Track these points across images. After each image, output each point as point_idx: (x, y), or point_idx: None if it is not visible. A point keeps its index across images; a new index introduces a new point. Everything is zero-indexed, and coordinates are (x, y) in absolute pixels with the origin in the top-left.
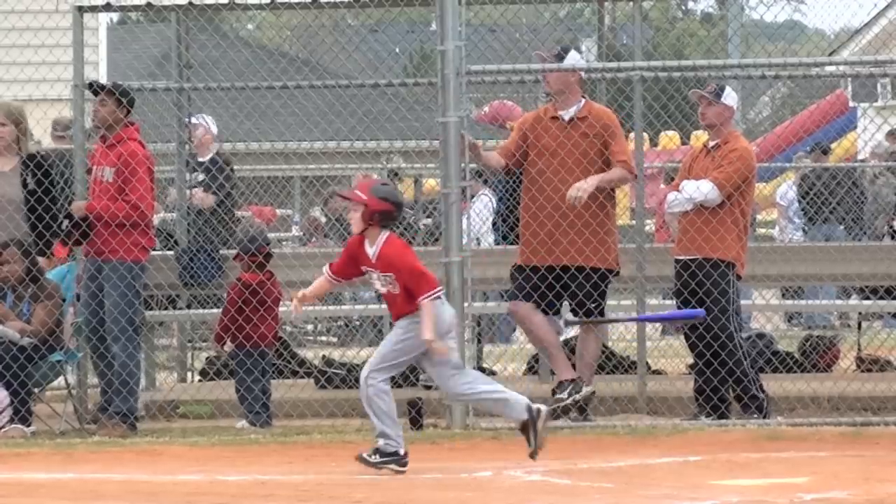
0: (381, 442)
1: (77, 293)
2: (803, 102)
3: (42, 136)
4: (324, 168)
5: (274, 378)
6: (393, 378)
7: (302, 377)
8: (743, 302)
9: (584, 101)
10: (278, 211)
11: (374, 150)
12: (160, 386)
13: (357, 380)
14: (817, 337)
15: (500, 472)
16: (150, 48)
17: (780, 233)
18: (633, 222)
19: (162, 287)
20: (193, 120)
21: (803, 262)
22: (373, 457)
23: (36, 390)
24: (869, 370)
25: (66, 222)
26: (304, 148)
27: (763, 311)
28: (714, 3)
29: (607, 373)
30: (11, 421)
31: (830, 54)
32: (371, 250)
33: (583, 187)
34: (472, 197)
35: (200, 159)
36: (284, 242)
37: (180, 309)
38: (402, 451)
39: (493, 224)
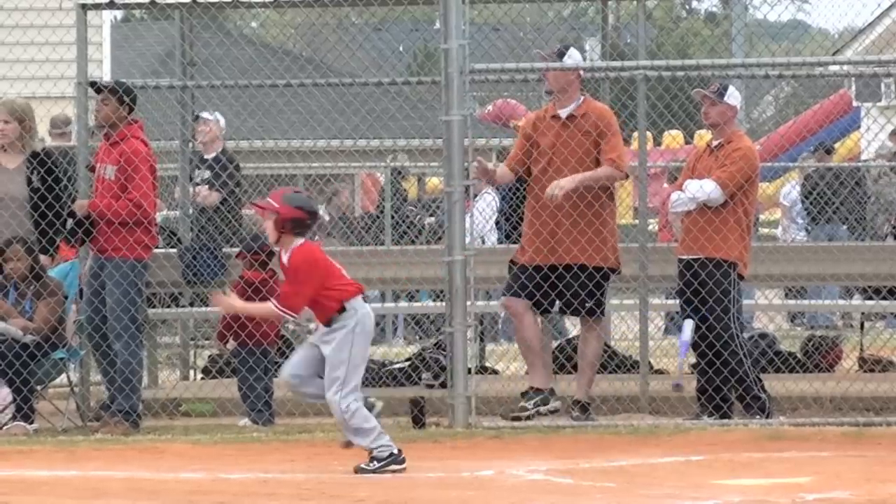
0: (375, 451)
1: (80, 290)
2: (807, 102)
3: (44, 134)
4: (327, 166)
5: (276, 376)
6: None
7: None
8: (746, 302)
9: (582, 98)
10: None
11: (377, 148)
12: (162, 384)
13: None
14: (820, 337)
15: (502, 472)
16: (154, 46)
17: (783, 233)
18: (637, 221)
19: (165, 285)
20: (205, 115)
21: (806, 262)
22: (371, 464)
23: (38, 388)
24: (871, 370)
25: (69, 221)
26: (308, 146)
27: (766, 311)
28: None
29: (609, 372)
30: (14, 418)
31: (834, 54)
32: (285, 257)
33: (561, 185)
34: (476, 196)
35: (206, 156)
36: None
37: (183, 307)
38: (395, 450)
39: (497, 223)
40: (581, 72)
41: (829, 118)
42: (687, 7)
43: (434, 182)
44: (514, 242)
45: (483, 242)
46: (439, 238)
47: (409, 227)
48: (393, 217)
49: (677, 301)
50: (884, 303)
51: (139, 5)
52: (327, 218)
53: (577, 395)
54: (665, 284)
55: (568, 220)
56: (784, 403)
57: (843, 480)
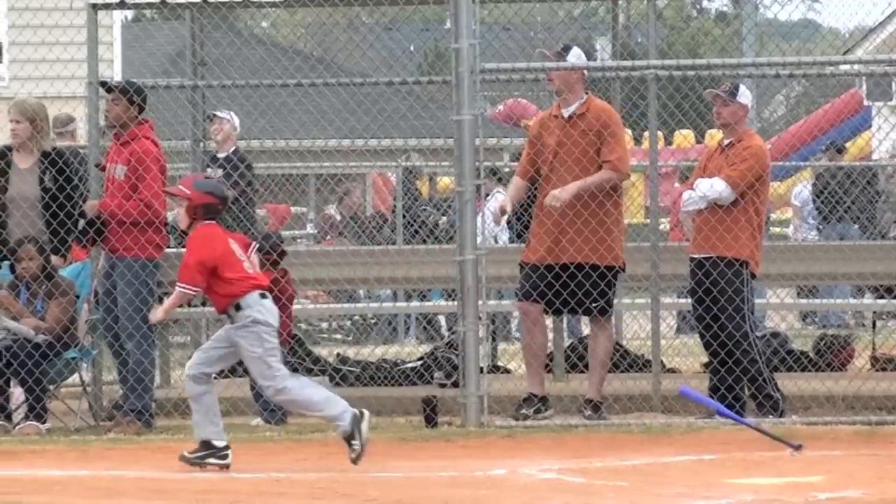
0: (340, 425)
1: (95, 290)
2: (818, 101)
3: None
4: (338, 166)
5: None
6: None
7: (316, 375)
8: (757, 301)
9: (585, 97)
10: (293, 209)
11: (388, 147)
12: (175, 383)
13: (372, 377)
14: (832, 336)
15: (514, 471)
16: (165, 46)
17: (794, 232)
18: (648, 221)
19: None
20: (220, 114)
21: (818, 261)
22: (348, 428)
23: (51, 387)
24: (884, 369)
25: (81, 221)
26: (319, 146)
27: (778, 311)
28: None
29: (622, 371)
30: (26, 418)
31: (845, 53)
32: None
33: (558, 196)
34: (487, 195)
35: (219, 155)
36: (299, 240)
37: (195, 307)
38: (358, 413)
39: (508, 222)
40: (585, 71)
41: (840, 117)
42: (697, 6)
43: (445, 181)
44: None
45: (495, 242)
46: (451, 238)
47: (420, 226)
48: (405, 216)
49: (689, 300)
50: (895, 301)
51: (150, 5)
52: (338, 217)
53: (589, 394)
54: (677, 283)
55: (576, 219)
56: (796, 402)
57: (856, 479)
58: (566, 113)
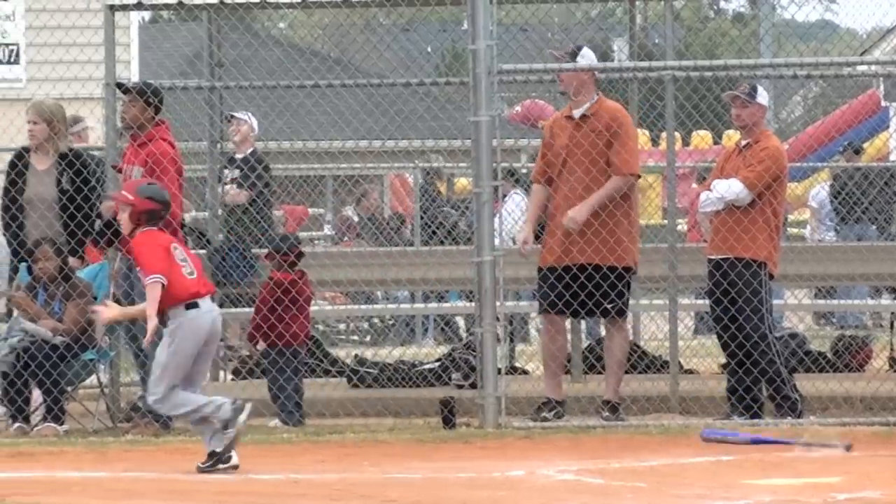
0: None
1: (112, 292)
2: (835, 102)
3: None
4: (356, 167)
5: (306, 377)
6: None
7: (334, 376)
8: (775, 302)
9: (596, 98)
10: (310, 210)
11: (405, 149)
12: None
13: (389, 378)
14: (850, 337)
15: (532, 472)
16: (182, 47)
17: (811, 233)
18: (666, 222)
19: None
20: (238, 115)
21: (835, 262)
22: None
23: (69, 389)
24: None
25: (98, 222)
26: (337, 147)
27: (795, 311)
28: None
29: (640, 372)
30: (44, 420)
31: (862, 54)
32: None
33: (576, 218)
34: (505, 196)
35: (236, 156)
36: (317, 241)
37: None
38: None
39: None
40: (595, 72)
41: (858, 118)
42: (715, 7)
43: (462, 183)
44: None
45: (513, 243)
46: (468, 239)
47: (438, 227)
48: (423, 217)
49: (707, 301)
50: None
51: (167, 6)
52: (356, 219)
53: (607, 395)
54: (694, 284)
55: (592, 220)
56: (814, 403)
57: (874, 480)
58: (577, 114)
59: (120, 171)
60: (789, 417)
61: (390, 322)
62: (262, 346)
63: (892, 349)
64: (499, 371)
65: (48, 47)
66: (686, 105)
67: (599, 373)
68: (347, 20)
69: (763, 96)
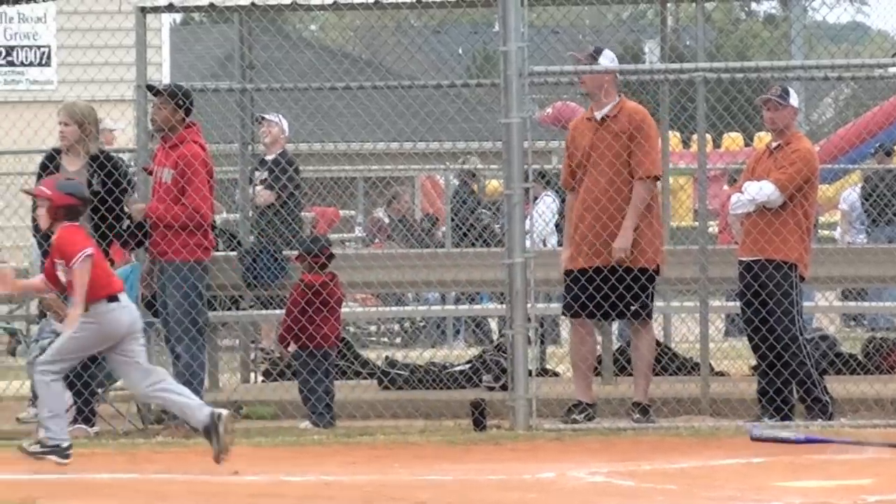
0: (42, 433)
1: (141, 293)
2: (866, 104)
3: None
4: (387, 169)
5: (337, 379)
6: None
7: (365, 378)
8: (806, 304)
9: (618, 99)
10: (341, 212)
11: (436, 151)
12: (223, 387)
13: (420, 380)
14: (881, 339)
15: (563, 474)
16: (213, 49)
17: (841, 236)
18: (697, 224)
19: (225, 288)
20: (268, 117)
21: (866, 264)
22: (33, 447)
23: (99, 391)
24: None
25: (126, 222)
26: (367, 149)
27: (826, 313)
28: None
29: (670, 374)
30: (75, 421)
31: (894, 55)
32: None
33: (624, 248)
34: (536, 198)
35: (267, 157)
36: (348, 243)
37: (244, 310)
38: (64, 444)
39: (557, 225)
40: (616, 73)
41: (889, 120)
42: (746, 9)
43: (494, 184)
44: None
45: (543, 245)
46: (499, 241)
47: (471, 229)
48: (454, 218)
49: (738, 303)
50: None
51: (198, 8)
52: (387, 221)
53: (637, 397)
54: (725, 286)
55: (608, 222)
56: (845, 405)
57: None
58: (598, 115)
59: (150, 172)
60: (820, 420)
61: (421, 324)
62: (293, 348)
63: None
64: (529, 373)
65: (79, 49)
66: (717, 107)
67: (630, 375)
68: (379, 22)
69: (795, 98)
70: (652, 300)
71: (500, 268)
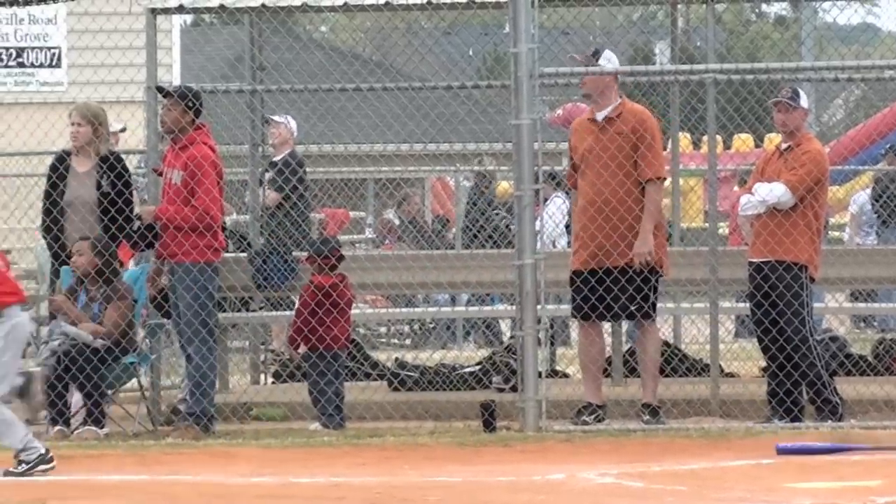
0: (22, 455)
1: (151, 295)
2: (877, 105)
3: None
4: (397, 170)
5: (347, 380)
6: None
7: (375, 379)
8: (816, 305)
9: (619, 101)
10: (352, 213)
11: (446, 152)
12: (233, 388)
13: (430, 382)
14: (891, 340)
15: (573, 475)
16: (224, 50)
17: (849, 239)
18: (707, 225)
19: (235, 289)
20: (276, 118)
21: (877, 265)
22: (20, 467)
23: (109, 392)
24: None
25: (137, 224)
26: (378, 150)
27: (836, 315)
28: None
29: (680, 375)
30: (85, 423)
31: None
32: None
33: (644, 250)
34: (546, 199)
35: (275, 158)
36: (358, 245)
37: (253, 311)
38: (42, 450)
39: (567, 226)
40: (618, 75)
41: None
42: (756, 10)
43: (504, 186)
44: None
45: (553, 246)
46: (509, 242)
47: (488, 230)
48: (469, 219)
49: (748, 304)
50: None
51: (209, 10)
52: (397, 222)
53: (645, 398)
54: (735, 288)
55: (609, 223)
56: (855, 407)
57: None
58: (599, 117)
59: (160, 174)
60: (830, 421)
61: (431, 325)
62: (303, 349)
63: None
64: (539, 374)
65: (90, 51)
66: (727, 108)
67: (640, 376)
68: (389, 23)
69: (805, 100)
70: (656, 300)
71: (510, 269)
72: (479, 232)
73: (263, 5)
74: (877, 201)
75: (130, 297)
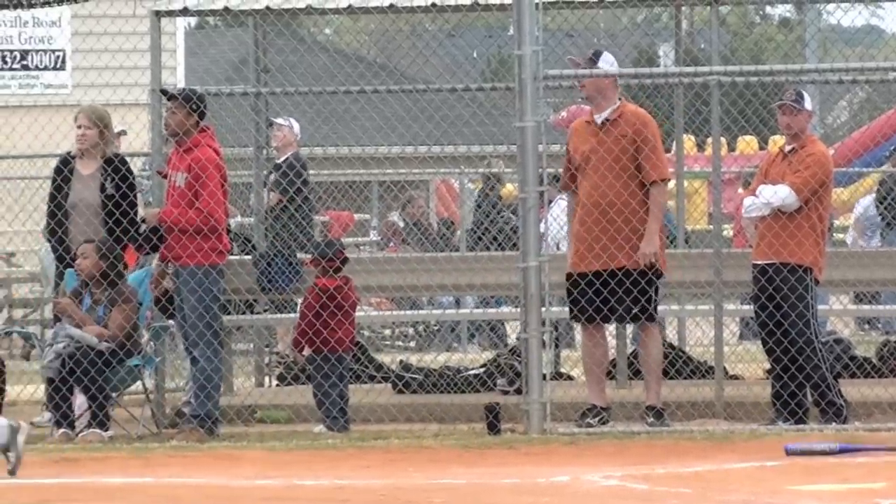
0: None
1: (155, 297)
2: (881, 107)
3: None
4: (402, 172)
5: (351, 383)
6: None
7: (379, 382)
8: (820, 307)
9: (618, 103)
10: (356, 216)
11: (450, 154)
12: (238, 391)
13: (434, 384)
14: (895, 342)
15: (577, 477)
16: (228, 53)
17: (852, 242)
18: (711, 227)
19: (239, 292)
20: (278, 121)
21: (881, 268)
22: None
23: (114, 395)
24: None
25: (142, 227)
26: (382, 152)
27: (840, 317)
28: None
29: (685, 377)
30: (89, 425)
31: None
32: None
33: (649, 251)
34: (550, 202)
35: (277, 161)
36: (362, 247)
37: (258, 314)
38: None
39: None
40: (617, 77)
41: None
42: (760, 13)
43: (509, 188)
44: None
45: (558, 248)
46: (514, 244)
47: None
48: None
49: (752, 307)
50: None
51: (213, 12)
52: (401, 224)
53: (649, 400)
54: (740, 290)
55: (611, 225)
56: (859, 409)
57: None
58: (599, 119)
59: (165, 176)
60: (834, 423)
61: (435, 328)
62: (307, 351)
63: None
64: (544, 377)
65: (94, 53)
66: (731, 110)
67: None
68: (393, 26)
69: (809, 102)
70: (657, 302)
71: (515, 272)
72: (483, 234)
73: (268, 8)
74: (881, 203)
75: (135, 300)
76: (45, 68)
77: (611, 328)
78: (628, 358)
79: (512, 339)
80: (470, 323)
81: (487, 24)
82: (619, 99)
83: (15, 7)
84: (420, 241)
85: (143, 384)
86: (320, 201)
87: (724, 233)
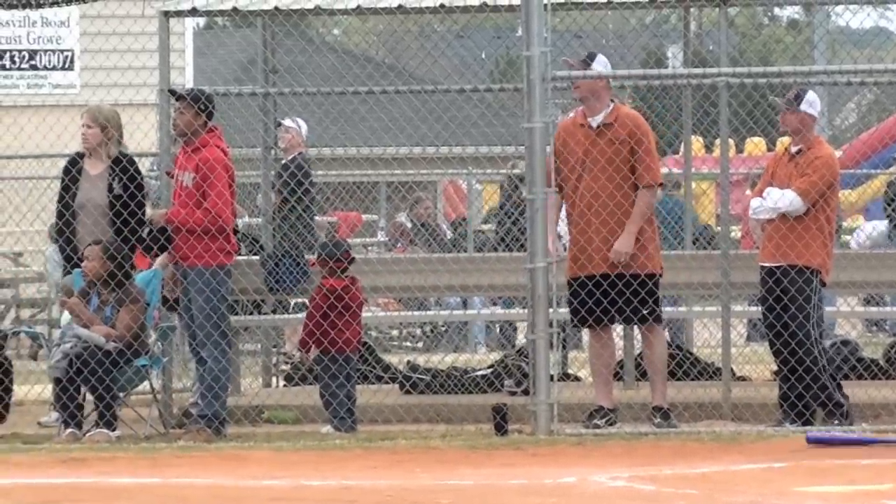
0: None
1: (163, 297)
2: (889, 109)
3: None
4: (410, 173)
5: (359, 383)
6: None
7: (387, 382)
8: (827, 309)
9: (612, 105)
10: (364, 216)
11: (458, 155)
12: (245, 391)
13: (442, 385)
14: None
15: (584, 478)
16: (236, 53)
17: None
18: (719, 229)
19: (247, 292)
20: (286, 122)
21: (889, 270)
22: None
23: (121, 395)
24: None
25: (148, 228)
26: (390, 153)
27: (848, 318)
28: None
29: (692, 379)
30: (97, 426)
31: None
32: None
33: (622, 251)
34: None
35: (283, 161)
36: (370, 248)
37: (265, 314)
38: None
39: None
40: (609, 79)
41: None
42: (769, 14)
43: None
44: None
45: (564, 250)
46: (521, 245)
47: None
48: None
49: (759, 308)
50: None
51: (222, 13)
52: (409, 225)
53: (655, 401)
54: (747, 291)
55: (605, 228)
56: (866, 410)
57: None
58: (593, 122)
59: (172, 176)
60: (839, 423)
61: (443, 328)
62: (314, 352)
63: None
64: (551, 378)
65: (103, 53)
66: (740, 112)
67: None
68: (402, 27)
69: (808, 103)
70: (659, 303)
71: (522, 273)
72: (505, 235)
73: (276, 8)
74: (889, 205)
75: (142, 300)
76: (54, 68)
77: (618, 329)
78: (636, 359)
79: (520, 340)
80: (484, 323)
81: (496, 24)
82: (612, 101)
83: (24, 7)
84: (428, 242)
85: (151, 384)
86: (328, 202)
87: (732, 234)
